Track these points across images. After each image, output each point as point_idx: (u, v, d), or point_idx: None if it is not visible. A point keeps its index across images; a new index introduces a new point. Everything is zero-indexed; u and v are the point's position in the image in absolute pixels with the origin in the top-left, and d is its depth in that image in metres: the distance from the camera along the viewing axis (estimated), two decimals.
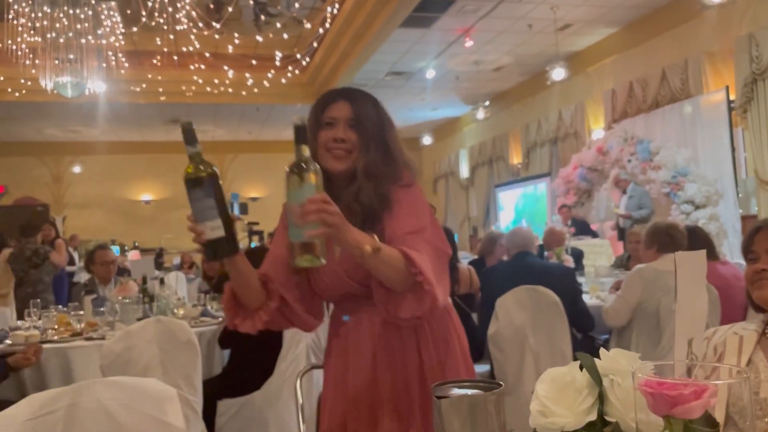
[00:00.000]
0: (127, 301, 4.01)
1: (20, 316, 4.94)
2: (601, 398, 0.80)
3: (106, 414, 1.43)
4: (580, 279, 4.60)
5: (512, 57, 10.02)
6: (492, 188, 12.90)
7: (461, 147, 14.38)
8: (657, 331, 3.42)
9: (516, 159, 12.16)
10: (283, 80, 9.86)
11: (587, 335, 3.90)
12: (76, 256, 10.25)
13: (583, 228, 8.18)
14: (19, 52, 7.61)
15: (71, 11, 7.18)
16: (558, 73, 8.73)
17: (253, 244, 10.43)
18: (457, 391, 0.86)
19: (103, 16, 7.45)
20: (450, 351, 1.68)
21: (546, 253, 5.35)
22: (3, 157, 14.14)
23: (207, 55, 8.90)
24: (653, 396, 0.66)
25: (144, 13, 6.98)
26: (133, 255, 10.70)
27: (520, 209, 11.88)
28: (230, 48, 8.80)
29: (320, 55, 10.32)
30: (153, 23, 7.13)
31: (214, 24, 7.32)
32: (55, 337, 3.63)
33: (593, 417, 0.79)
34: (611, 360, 0.81)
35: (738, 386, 0.69)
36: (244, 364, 3.43)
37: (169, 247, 12.92)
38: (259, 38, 8.34)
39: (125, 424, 1.43)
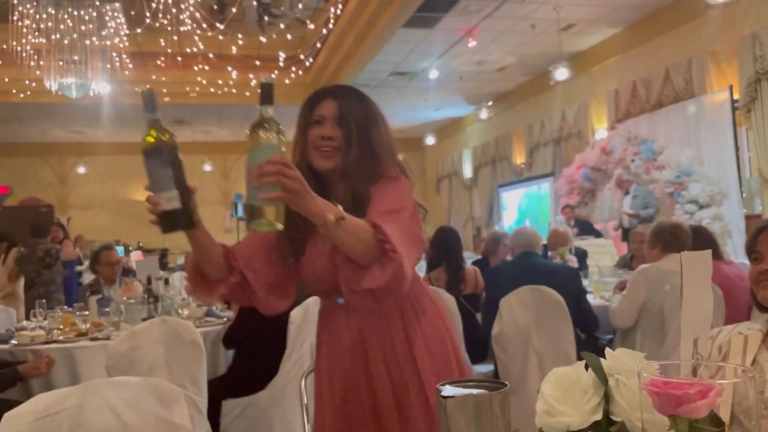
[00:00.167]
0: (132, 301, 4.03)
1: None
2: (607, 398, 0.80)
3: (113, 414, 1.44)
4: (584, 279, 4.59)
5: (515, 57, 10.01)
6: (495, 188, 12.88)
7: (464, 147, 14.37)
8: (661, 331, 3.42)
9: (519, 159, 12.15)
10: (287, 81, 9.86)
11: (591, 335, 3.89)
12: (81, 256, 10.27)
13: (586, 228, 8.17)
14: (24, 54, 7.64)
15: (75, 12, 7.21)
16: (561, 73, 8.72)
17: None
18: (462, 391, 0.87)
19: (107, 18, 7.48)
20: (442, 345, 1.67)
21: (550, 254, 5.35)
22: (8, 157, 14.18)
23: (211, 56, 8.91)
24: (659, 395, 0.67)
25: (148, 14, 7.00)
26: (136, 256, 10.71)
27: (523, 209, 11.87)
28: (234, 49, 8.81)
29: (323, 56, 10.33)
30: (157, 24, 7.14)
31: (217, 25, 7.33)
32: (61, 338, 3.64)
33: (599, 416, 0.80)
34: (617, 360, 0.81)
35: (743, 386, 0.69)
36: (248, 364, 3.44)
37: (173, 248, 12.94)
38: (263, 39, 8.35)
39: (131, 424, 1.44)
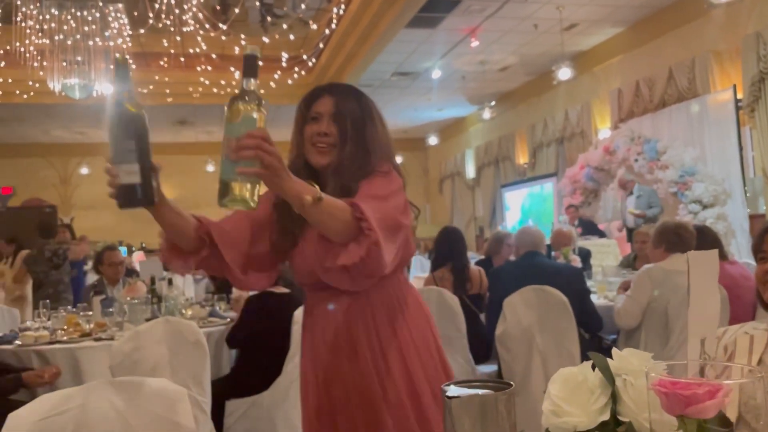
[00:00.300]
0: (136, 301, 4.03)
1: None
2: (614, 398, 0.79)
3: (117, 414, 1.44)
4: (588, 279, 4.59)
5: (518, 57, 10.00)
6: (498, 188, 12.88)
7: (467, 147, 14.37)
8: (665, 331, 3.41)
9: (522, 159, 12.14)
10: (290, 81, 9.86)
11: (595, 335, 3.89)
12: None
13: (590, 228, 8.16)
14: (27, 54, 7.65)
15: (79, 13, 7.22)
16: (564, 73, 8.71)
17: None
18: (467, 391, 0.86)
19: (110, 18, 7.48)
20: (425, 341, 1.67)
21: (553, 253, 5.34)
22: (11, 158, 14.21)
23: (213, 56, 8.91)
24: (667, 396, 0.66)
25: (151, 14, 7.00)
26: (138, 257, 10.72)
27: (526, 209, 11.87)
28: (237, 49, 8.80)
29: (326, 56, 10.33)
30: (160, 25, 7.15)
31: (220, 25, 7.34)
32: (65, 338, 3.64)
33: (606, 417, 0.79)
34: (624, 360, 0.81)
35: (751, 386, 0.69)
36: (252, 365, 3.44)
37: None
38: (266, 39, 8.34)
39: (136, 424, 1.44)
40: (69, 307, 4.36)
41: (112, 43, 7.74)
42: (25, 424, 1.34)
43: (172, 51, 8.36)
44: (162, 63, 9.21)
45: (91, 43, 7.54)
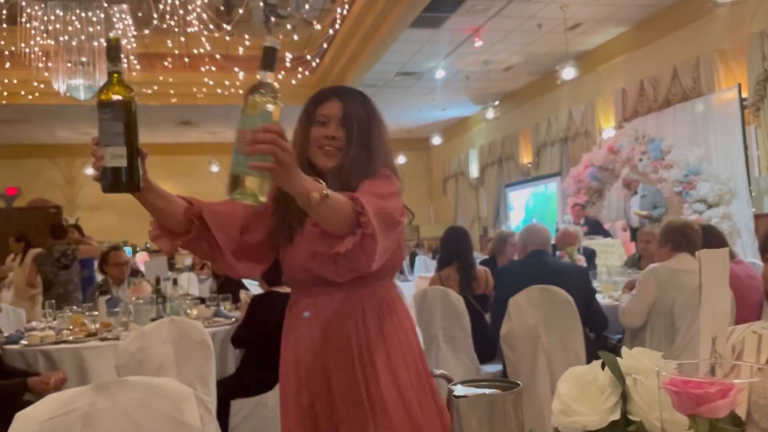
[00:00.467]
0: (141, 301, 4.04)
1: None
2: (624, 397, 0.79)
3: (124, 414, 1.44)
4: (593, 279, 4.57)
5: (522, 56, 9.99)
6: (502, 188, 12.87)
7: (471, 147, 14.36)
8: (671, 330, 3.40)
9: (526, 158, 12.12)
10: (293, 81, 9.87)
11: (600, 335, 3.88)
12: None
13: (596, 227, 8.13)
14: (32, 55, 7.68)
15: (83, 14, 7.24)
16: (568, 73, 8.69)
17: None
18: (475, 391, 0.86)
19: (115, 19, 7.50)
20: (408, 343, 1.69)
21: (558, 253, 5.33)
22: (16, 159, 14.26)
23: (218, 56, 8.93)
24: (678, 395, 0.66)
25: (155, 15, 7.02)
26: (141, 257, 10.75)
27: (530, 209, 11.86)
28: (241, 50, 8.83)
29: (330, 56, 10.34)
30: (164, 26, 7.17)
31: (224, 26, 7.35)
32: (70, 338, 3.65)
33: (616, 416, 0.79)
34: (634, 359, 0.80)
35: (761, 385, 0.68)
36: (257, 364, 3.44)
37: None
38: None
39: (142, 424, 1.44)
40: (74, 307, 4.37)
41: None
42: (33, 424, 1.34)
43: (177, 51, 8.39)
44: (166, 63, 9.24)
45: (95, 43, 7.57)
